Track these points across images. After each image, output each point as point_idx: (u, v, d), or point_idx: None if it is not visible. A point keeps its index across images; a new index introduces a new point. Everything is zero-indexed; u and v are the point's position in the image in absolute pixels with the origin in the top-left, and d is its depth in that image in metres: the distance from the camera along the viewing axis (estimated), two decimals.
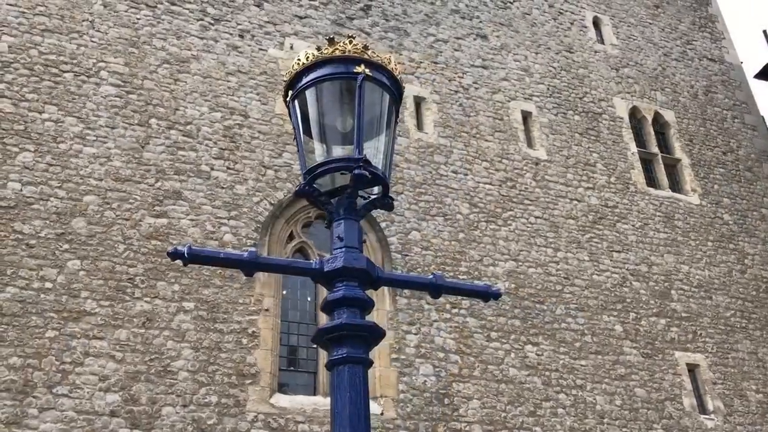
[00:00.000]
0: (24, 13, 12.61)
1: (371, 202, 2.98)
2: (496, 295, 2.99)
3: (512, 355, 13.11)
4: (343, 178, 2.91)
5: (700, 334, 15.30)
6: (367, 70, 2.97)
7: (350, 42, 3.03)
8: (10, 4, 12.59)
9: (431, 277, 2.91)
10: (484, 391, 12.49)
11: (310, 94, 3.02)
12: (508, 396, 12.63)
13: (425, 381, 12.17)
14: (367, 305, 2.72)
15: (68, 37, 12.72)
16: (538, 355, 13.31)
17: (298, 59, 3.04)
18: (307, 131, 3.04)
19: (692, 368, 14.75)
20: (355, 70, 2.96)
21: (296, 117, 3.07)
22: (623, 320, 14.57)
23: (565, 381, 13.27)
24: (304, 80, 3.02)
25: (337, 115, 3.02)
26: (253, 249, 2.70)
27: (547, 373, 13.20)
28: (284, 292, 12.37)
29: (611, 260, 15.29)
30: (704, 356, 15.00)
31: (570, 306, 14.21)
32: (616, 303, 14.73)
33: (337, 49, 3.00)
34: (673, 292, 15.56)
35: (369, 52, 3.04)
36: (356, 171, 2.77)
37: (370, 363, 2.64)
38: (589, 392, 13.34)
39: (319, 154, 2.97)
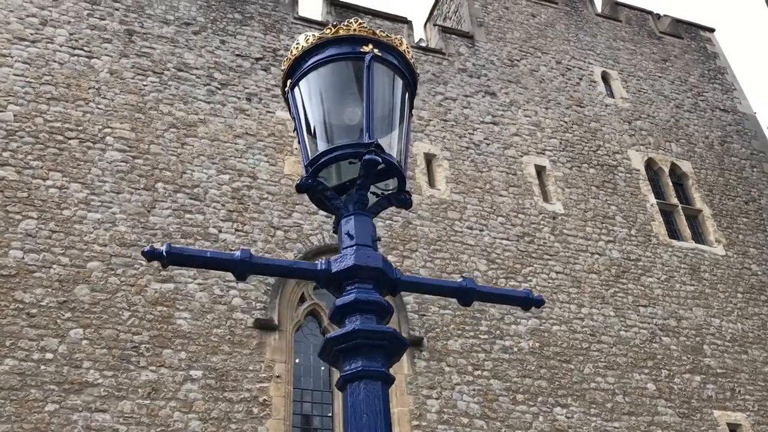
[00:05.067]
0: (30, 82, 12.57)
1: (386, 198, 2.53)
2: (539, 302, 2.50)
3: (540, 418, 12.31)
4: (353, 170, 2.47)
5: (739, 391, 14.41)
6: (376, 50, 2.58)
7: (356, 21, 2.64)
8: (17, 75, 12.56)
9: (461, 280, 2.42)
10: None
11: (311, 80, 2.62)
12: None
13: None
14: (385, 311, 2.23)
15: (74, 105, 12.62)
16: (567, 417, 12.50)
17: (298, 43, 2.66)
18: (309, 123, 2.62)
19: (734, 428, 13.80)
20: (362, 50, 2.57)
21: (296, 107, 2.67)
22: (655, 378, 13.76)
23: None
24: (305, 65, 2.63)
25: (343, 103, 2.61)
26: (246, 248, 2.24)
27: None
28: (296, 360, 11.75)
29: (638, 315, 14.59)
30: (745, 415, 14.06)
31: (598, 364, 13.45)
32: (646, 360, 13.95)
33: (341, 29, 2.62)
34: (705, 347, 14.77)
35: (378, 32, 2.64)
36: (367, 156, 2.33)
37: (392, 380, 2.13)
38: None
39: (323, 146, 2.54)
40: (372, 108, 2.48)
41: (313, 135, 2.58)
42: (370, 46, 2.58)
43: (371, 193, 2.55)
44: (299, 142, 2.62)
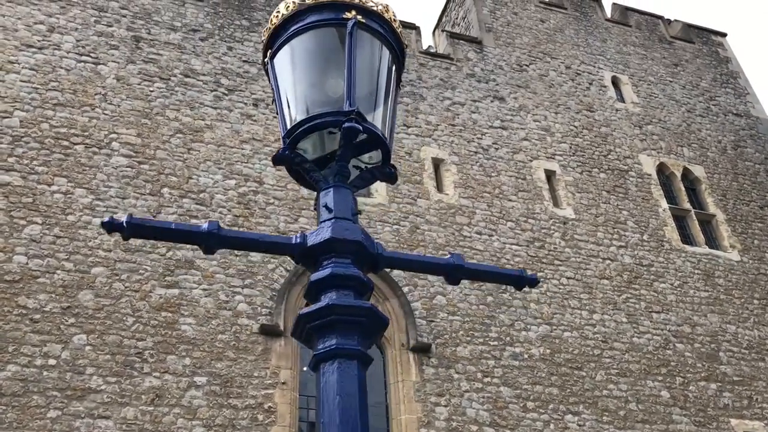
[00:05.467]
0: (37, 88, 12.56)
1: (369, 171, 2.38)
2: (533, 281, 2.33)
3: (552, 426, 12.05)
4: (334, 141, 2.33)
5: (756, 399, 14.07)
6: (359, 17, 2.44)
7: None
8: (24, 81, 12.56)
9: (449, 257, 2.26)
10: None
11: (291, 48, 2.48)
12: None
13: None
14: (365, 286, 2.07)
15: (80, 110, 12.60)
16: (579, 425, 12.23)
17: (278, 11, 2.53)
18: (289, 95, 2.48)
19: None
20: (344, 16, 2.43)
21: (275, 78, 2.53)
22: (669, 385, 13.46)
23: None
24: (285, 33, 2.50)
25: (325, 74, 2.47)
26: (214, 221, 2.10)
27: None
28: (305, 369, 11.58)
29: (651, 321, 14.31)
30: (763, 424, 13.72)
31: (611, 371, 13.18)
32: (659, 367, 13.66)
33: None
34: (721, 354, 14.46)
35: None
36: (347, 124, 2.19)
37: (369, 360, 1.97)
38: None
39: (302, 116, 2.39)
40: (354, 76, 2.34)
41: (291, 107, 2.44)
42: (353, 13, 2.45)
43: (354, 167, 2.40)
44: (278, 114, 2.48)
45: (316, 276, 2.06)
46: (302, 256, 2.13)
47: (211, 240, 2.04)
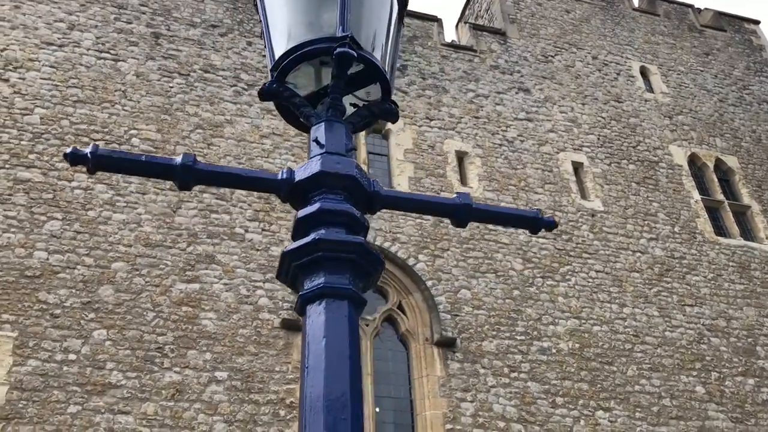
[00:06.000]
0: (57, 86, 12.55)
1: (366, 108, 2.14)
2: (550, 223, 2.07)
3: (582, 422, 11.68)
4: (328, 76, 2.10)
5: None
6: None
7: None
8: (44, 78, 12.56)
9: (456, 197, 2.01)
10: None
11: None
12: None
13: None
14: (359, 224, 1.83)
15: (100, 107, 12.56)
16: (611, 421, 11.84)
17: None
18: (278, 26, 2.26)
19: None
20: None
21: (263, 9, 2.32)
22: (705, 381, 12.99)
23: None
24: None
25: (318, 3, 2.24)
26: (189, 153, 1.88)
27: None
28: None
29: (684, 315, 13.85)
30: None
31: (642, 366, 12.76)
32: (694, 362, 13.20)
33: None
34: (758, 348, 13.93)
35: None
36: (339, 50, 1.96)
37: (362, 302, 1.74)
38: None
39: (291, 46, 2.16)
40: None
41: (280, 38, 2.21)
42: None
43: (351, 104, 2.17)
44: (266, 49, 2.26)
45: (303, 212, 1.83)
46: (289, 193, 1.90)
47: (186, 174, 1.83)
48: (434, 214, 2.17)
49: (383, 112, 2.13)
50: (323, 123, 1.99)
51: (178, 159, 1.83)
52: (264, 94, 2.03)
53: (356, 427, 1.48)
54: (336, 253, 1.71)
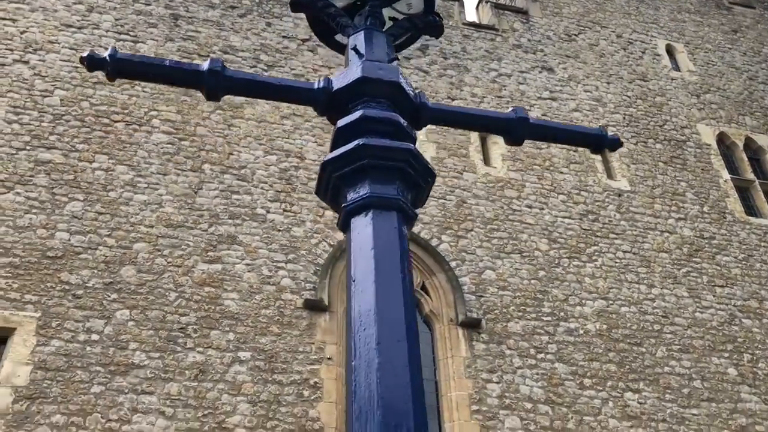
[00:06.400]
0: (77, 67, 12.47)
1: (408, 20, 1.95)
2: (614, 142, 1.87)
3: (610, 404, 11.45)
4: None
5: None
6: None
7: None
8: (63, 61, 12.49)
9: (510, 111, 1.81)
10: None
11: None
12: None
13: None
14: (405, 133, 1.64)
15: (120, 89, 12.47)
16: (640, 403, 11.59)
17: None
18: None
19: None
20: None
21: None
22: (737, 362, 12.69)
23: None
24: None
25: None
26: (217, 58, 1.70)
27: (654, 423, 11.43)
28: None
29: (714, 296, 13.53)
30: None
31: (672, 348, 12.48)
32: (725, 343, 12.89)
33: None
34: None
35: None
36: None
37: (412, 216, 1.55)
38: None
39: None
40: None
41: None
42: None
43: (390, 18, 1.98)
44: None
45: (343, 121, 1.64)
46: (326, 103, 1.72)
47: (214, 80, 1.65)
48: (486, 130, 1.98)
49: (427, 25, 1.94)
50: (362, 31, 1.80)
51: (206, 64, 1.66)
52: (296, 4, 1.84)
53: (412, 341, 1.30)
54: (383, 160, 1.52)
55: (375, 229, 1.42)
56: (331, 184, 1.59)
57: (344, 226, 1.54)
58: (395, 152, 1.53)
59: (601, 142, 1.85)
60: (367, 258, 1.37)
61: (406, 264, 1.41)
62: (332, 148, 1.65)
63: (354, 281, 1.37)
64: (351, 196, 1.53)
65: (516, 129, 1.78)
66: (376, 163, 1.52)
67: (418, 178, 1.58)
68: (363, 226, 1.44)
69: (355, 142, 1.54)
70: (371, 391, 1.22)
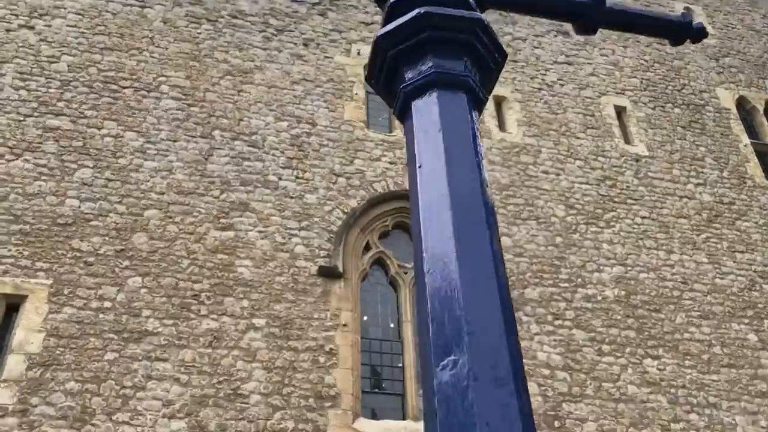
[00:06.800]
0: (84, 33, 12.24)
1: None
2: (700, 32, 1.63)
3: (629, 370, 11.28)
4: None
5: None
6: None
7: None
8: (70, 26, 12.25)
9: None
10: (600, 411, 10.69)
11: None
12: (630, 417, 10.77)
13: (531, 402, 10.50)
14: (470, 7, 1.40)
15: (128, 54, 12.24)
16: (660, 369, 11.42)
17: None
18: None
19: None
20: None
21: None
22: (757, 328, 12.48)
23: (696, 399, 11.28)
24: None
25: None
26: None
27: (673, 390, 11.26)
28: (365, 318, 11.04)
29: (734, 262, 13.28)
30: None
31: (691, 314, 12.28)
32: (745, 309, 12.67)
33: None
34: None
35: None
36: None
37: (483, 100, 1.33)
38: (726, 411, 11.28)
39: None
40: None
41: None
42: None
43: None
44: None
45: None
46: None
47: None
48: (552, 15, 1.75)
49: None
50: None
51: None
52: None
53: (493, 228, 1.09)
54: (449, 32, 1.29)
55: (442, 107, 1.20)
56: (386, 65, 1.36)
57: (402, 112, 1.32)
58: (464, 22, 1.30)
59: (684, 32, 1.62)
60: (435, 141, 1.15)
61: (479, 153, 1.20)
62: (384, 24, 1.42)
63: (420, 167, 1.16)
64: (410, 75, 1.31)
65: (589, 14, 1.56)
66: (441, 35, 1.28)
67: (488, 57, 1.36)
68: (427, 105, 1.22)
69: (415, 12, 1.31)
70: (451, 282, 1.01)
